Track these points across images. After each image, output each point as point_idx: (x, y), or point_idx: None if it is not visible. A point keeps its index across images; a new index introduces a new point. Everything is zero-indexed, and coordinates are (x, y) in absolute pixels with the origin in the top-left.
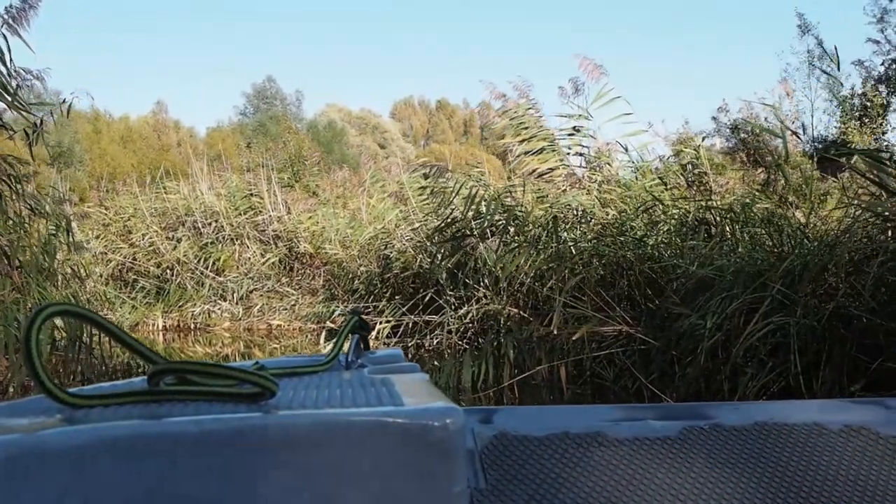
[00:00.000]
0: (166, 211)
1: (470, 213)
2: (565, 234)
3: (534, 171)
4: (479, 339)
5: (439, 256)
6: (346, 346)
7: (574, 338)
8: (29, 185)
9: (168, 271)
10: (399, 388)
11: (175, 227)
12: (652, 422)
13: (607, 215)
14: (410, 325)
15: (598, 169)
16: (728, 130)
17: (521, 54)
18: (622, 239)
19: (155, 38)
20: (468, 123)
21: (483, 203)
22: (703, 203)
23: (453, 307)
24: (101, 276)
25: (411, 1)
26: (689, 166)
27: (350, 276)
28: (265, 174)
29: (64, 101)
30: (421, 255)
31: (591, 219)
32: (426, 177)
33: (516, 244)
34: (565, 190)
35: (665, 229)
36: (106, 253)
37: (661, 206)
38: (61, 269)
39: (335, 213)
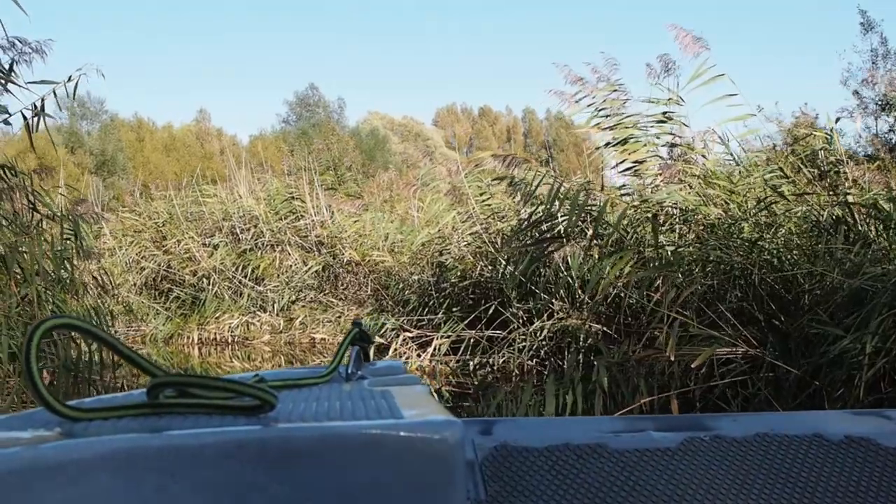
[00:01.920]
0: (202, 216)
1: (558, 212)
2: (661, 236)
3: (618, 164)
4: (555, 360)
5: (506, 263)
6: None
7: (695, 364)
8: (42, 180)
9: (204, 280)
10: (399, 401)
11: (212, 232)
12: (653, 433)
13: (709, 215)
14: (472, 341)
15: (693, 161)
16: (877, 107)
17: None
18: (731, 242)
19: (198, 47)
20: (511, 130)
21: (566, 201)
22: (839, 198)
23: (521, 321)
24: (133, 285)
25: (453, 8)
26: (822, 153)
27: (400, 285)
28: (307, 177)
29: (69, 78)
30: (482, 263)
31: (693, 218)
32: (504, 178)
33: (604, 248)
34: (657, 186)
35: (786, 230)
36: (139, 260)
37: (780, 203)
38: (80, 277)
39: (383, 217)
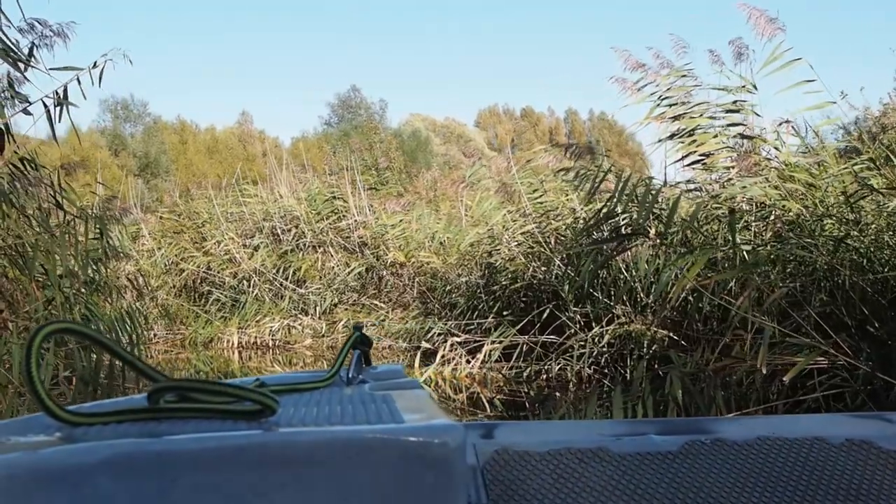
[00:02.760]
0: (243, 216)
1: (628, 208)
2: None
3: (683, 157)
4: (617, 368)
5: (566, 264)
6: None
7: (788, 377)
8: (67, 175)
9: (244, 282)
10: (399, 405)
11: (252, 233)
12: (654, 436)
13: (789, 210)
14: (525, 347)
15: (766, 153)
16: None
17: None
18: (814, 240)
19: (240, 50)
20: (553, 131)
21: (633, 196)
22: None
23: (579, 327)
24: (172, 287)
25: (494, 8)
26: None
27: (447, 287)
28: (349, 177)
29: (94, 64)
30: (534, 264)
31: (770, 215)
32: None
33: (672, 248)
34: (729, 180)
35: (875, 227)
36: (178, 262)
37: (870, 197)
38: (114, 280)
39: (429, 215)
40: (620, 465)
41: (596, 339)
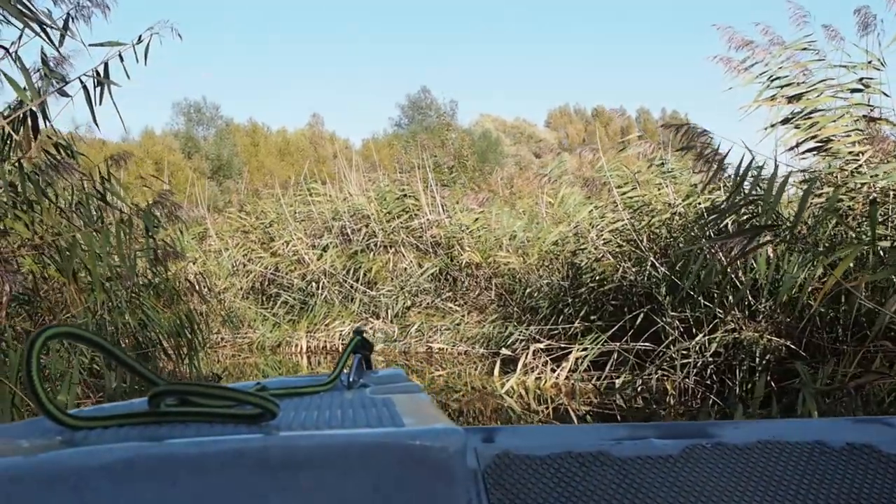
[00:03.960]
0: (311, 215)
1: (753, 195)
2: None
3: (799, 143)
4: (724, 381)
5: (655, 263)
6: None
7: None
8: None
9: (313, 284)
10: (400, 409)
11: (321, 233)
12: (655, 440)
13: None
14: (616, 356)
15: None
16: None
17: (689, 54)
18: None
19: (311, 52)
20: (625, 131)
21: (758, 184)
22: None
23: (679, 333)
24: (239, 289)
25: (565, 8)
26: None
27: (528, 290)
28: (420, 174)
29: (140, 38)
30: (625, 264)
31: None
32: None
33: (794, 244)
34: (859, 167)
35: None
36: (245, 263)
37: None
38: (174, 281)
39: (509, 213)
40: (621, 469)
41: (701, 348)
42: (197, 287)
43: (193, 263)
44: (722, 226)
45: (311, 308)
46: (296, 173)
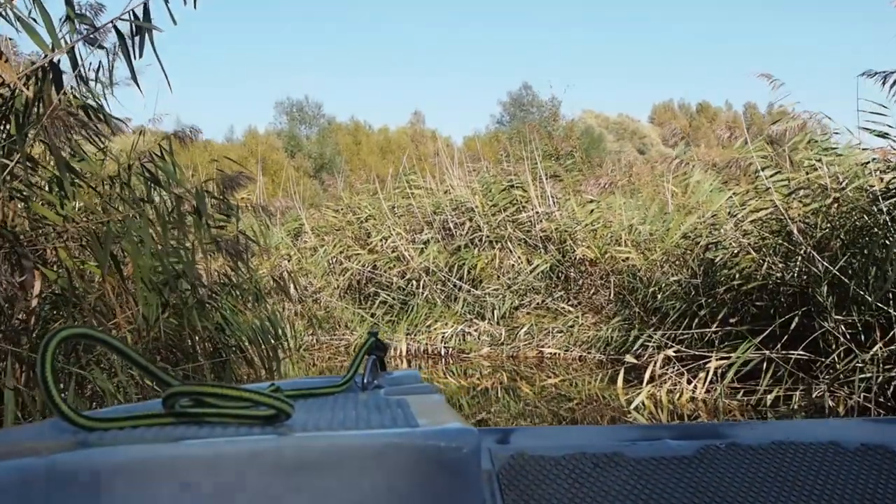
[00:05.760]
0: (411, 209)
1: None
2: None
3: None
4: None
5: (818, 258)
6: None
7: None
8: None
9: (413, 282)
10: (414, 409)
11: (421, 228)
12: (669, 441)
13: None
14: (765, 366)
15: None
16: None
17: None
18: None
19: (412, 51)
20: (731, 127)
21: None
22: None
23: (847, 340)
24: (336, 288)
25: (669, 1)
26: None
27: (652, 289)
28: (528, 165)
29: None
30: (770, 258)
31: None
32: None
33: None
34: None
35: None
36: (342, 261)
37: None
38: (261, 280)
39: (632, 204)
40: (636, 470)
41: (877, 360)
42: (281, 286)
43: (288, 261)
44: None
45: (411, 309)
46: (397, 171)
